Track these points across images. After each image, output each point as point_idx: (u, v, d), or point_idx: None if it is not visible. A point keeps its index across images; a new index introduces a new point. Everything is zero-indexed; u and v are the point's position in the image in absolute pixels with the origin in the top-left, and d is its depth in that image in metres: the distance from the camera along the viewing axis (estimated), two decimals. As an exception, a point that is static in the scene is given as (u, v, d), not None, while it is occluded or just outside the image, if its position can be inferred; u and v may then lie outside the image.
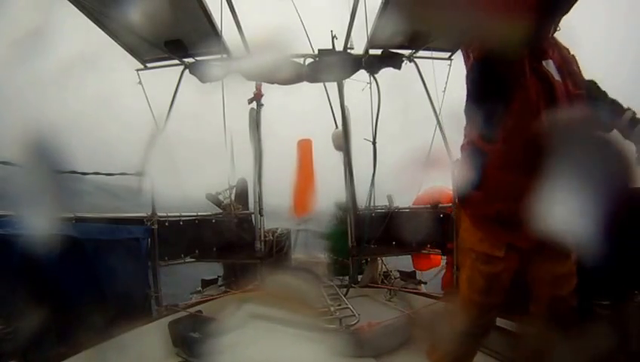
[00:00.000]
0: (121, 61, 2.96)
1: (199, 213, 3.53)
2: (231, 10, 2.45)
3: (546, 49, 1.30)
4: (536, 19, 1.05)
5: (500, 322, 1.83)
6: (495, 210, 1.33)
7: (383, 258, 4.06)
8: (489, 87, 1.21)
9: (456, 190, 1.56)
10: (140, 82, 3.07)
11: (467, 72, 1.32)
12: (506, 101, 1.20)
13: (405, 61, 3.18)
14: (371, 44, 3.05)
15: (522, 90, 1.20)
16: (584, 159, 1.11)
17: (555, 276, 1.38)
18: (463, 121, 1.46)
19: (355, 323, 2.43)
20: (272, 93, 3.64)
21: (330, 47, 3.23)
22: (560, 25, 1.30)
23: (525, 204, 1.07)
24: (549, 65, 1.30)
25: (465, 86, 1.37)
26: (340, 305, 2.76)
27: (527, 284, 1.44)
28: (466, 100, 1.36)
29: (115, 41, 2.70)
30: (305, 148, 4.19)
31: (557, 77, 1.29)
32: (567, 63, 1.35)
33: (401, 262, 4.34)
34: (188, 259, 3.41)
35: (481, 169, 1.36)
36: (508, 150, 1.25)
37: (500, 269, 1.40)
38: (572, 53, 1.40)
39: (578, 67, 1.39)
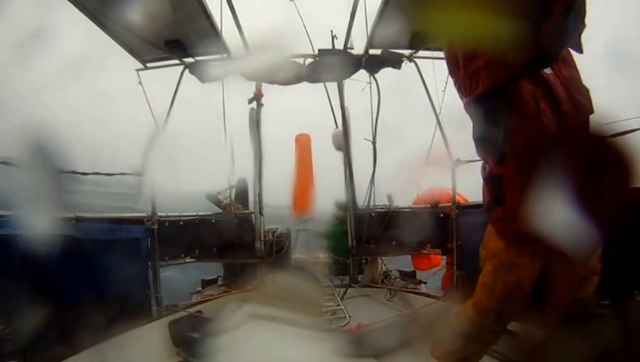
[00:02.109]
0: (121, 61, 2.97)
1: (199, 213, 3.53)
2: (231, 10, 2.45)
3: None
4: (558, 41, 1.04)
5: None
6: (519, 228, 1.26)
7: (383, 258, 4.06)
8: (494, 112, 1.21)
9: (484, 206, 1.53)
10: (140, 82, 3.07)
11: (468, 101, 1.33)
12: (507, 119, 1.20)
13: (405, 61, 3.18)
14: (371, 44, 3.05)
15: (519, 103, 1.18)
16: (588, 162, 1.11)
17: (576, 277, 1.36)
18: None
19: (345, 324, 2.44)
20: (272, 94, 3.65)
21: (330, 47, 3.23)
22: None
23: (547, 214, 1.06)
24: None
25: (467, 113, 1.37)
26: (332, 306, 2.77)
27: (545, 284, 1.42)
28: (473, 128, 1.36)
29: (116, 41, 2.70)
30: (303, 144, 4.16)
31: (547, 70, 1.25)
32: None
33: (401, 262, 4.34)
34: (188, 259, 3.41)
35: (500, 191, 1.34)
36: (520, 168, 1.22)
37: (523, 278, 1.38)
38: None
39: None
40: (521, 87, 1.20)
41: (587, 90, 1.30)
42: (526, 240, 1.29)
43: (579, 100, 1.25)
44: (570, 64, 1.30)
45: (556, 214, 1.07)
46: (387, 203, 3.84)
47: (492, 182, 1.39)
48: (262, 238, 3.52)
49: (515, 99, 1.19)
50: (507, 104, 1.20)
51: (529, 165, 1.18)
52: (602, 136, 1.21)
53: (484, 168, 1.45)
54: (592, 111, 1.27)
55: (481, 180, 1.50)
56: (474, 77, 1.23)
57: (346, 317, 2.53)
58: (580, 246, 1.10)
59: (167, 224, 3.22)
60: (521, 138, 1.20)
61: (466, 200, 3.40)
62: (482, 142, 1.36)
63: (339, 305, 2.79)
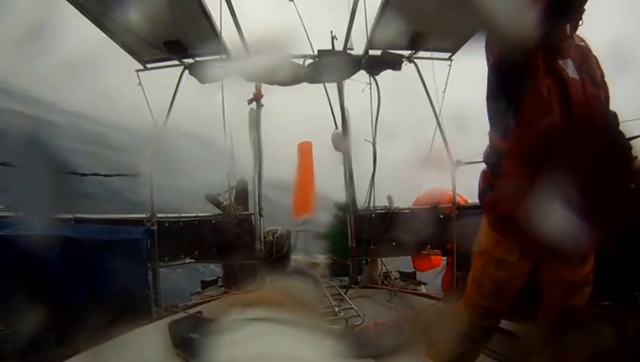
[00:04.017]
0: (121, 61, 2.96)
1: (199, 214, 3.52)
2: (230, 10, 2.45)
3: (563, 48, 1.29)
4: (547, 19, 1.08)
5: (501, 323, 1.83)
6: (508, 209, 1.28)
7: (383, 258, 4.05)
8: (503, 86, 1.25)
9: (479, 195, 1.55)
10: (139, 83, 3.07)
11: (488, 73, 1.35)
12: (518, 98, 1.23)
13: (405, 62, 3.18)
14: (371, 44, 3.05)
15: (534, 88, 1.22)
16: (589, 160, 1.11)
17: (568, 283, 1.35)
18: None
19: (360, 323, 2.42)
20: (272, 94, 3.64)
21: (330, 47, 3.23)
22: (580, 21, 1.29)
23: (536, 204, 1.07)
24: (567, 64, 1.28)
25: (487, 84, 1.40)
26: (343, 306, 2.75)
27: (538, 289, 1.42)
28: (486, 101, 1.38)
29: (115, 41, 2.69)
30: (305, 151, 4.17)
31: (574, 75, 1.27)
32: (588, 63, 1.33)
33: (401, 263, 4.33)
34: (187, 260, 3.40)
35: (497, 167, 1.36)
36: (519, 147, 1.25)
37: (511, 275, 1.38)
38: (594, 54, 1.38)
39: (600, 68, 1.37)
40: (539, 74, 1.23)
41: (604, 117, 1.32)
42: (513, 230, 1.30)
43: (594, 96, 1.28)
44: (600, 87, 1.33)
45: (545, 204, 1.08)
46: (387, 204, 3.84)
47: (491, 157, 1.41)
48: (262, 239, 3.52)
49: (532, 81, 1.22)
50: (523, 83, 1.23)
51: (530, 145, 1.21)
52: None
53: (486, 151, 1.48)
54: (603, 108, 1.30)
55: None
56: (489, 48, 1.29)
57: (360, 316, 2.51)
58: (568, 243, 1.10)
59: (166, 225, 3.21)
60: (528, 117, 1.22)
61: (466, 201, 3.40)
62: (492, 111, 1.37)
63: (350, 304, 2.77)
